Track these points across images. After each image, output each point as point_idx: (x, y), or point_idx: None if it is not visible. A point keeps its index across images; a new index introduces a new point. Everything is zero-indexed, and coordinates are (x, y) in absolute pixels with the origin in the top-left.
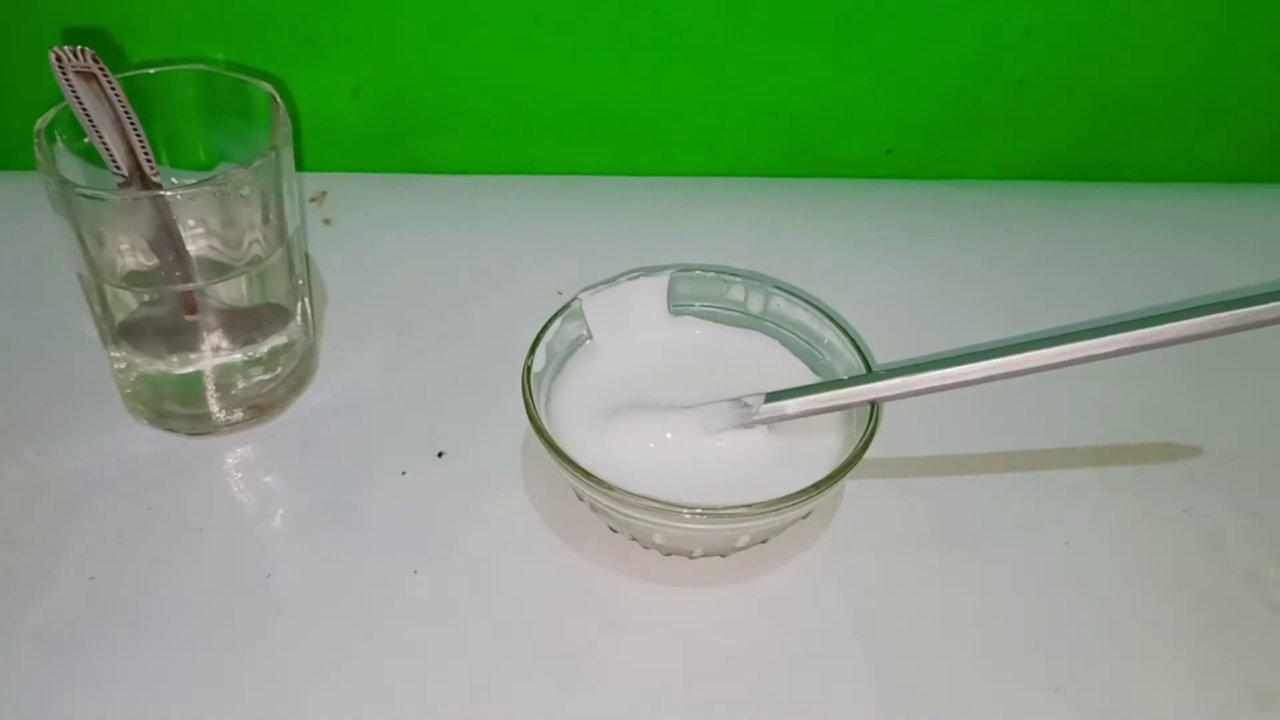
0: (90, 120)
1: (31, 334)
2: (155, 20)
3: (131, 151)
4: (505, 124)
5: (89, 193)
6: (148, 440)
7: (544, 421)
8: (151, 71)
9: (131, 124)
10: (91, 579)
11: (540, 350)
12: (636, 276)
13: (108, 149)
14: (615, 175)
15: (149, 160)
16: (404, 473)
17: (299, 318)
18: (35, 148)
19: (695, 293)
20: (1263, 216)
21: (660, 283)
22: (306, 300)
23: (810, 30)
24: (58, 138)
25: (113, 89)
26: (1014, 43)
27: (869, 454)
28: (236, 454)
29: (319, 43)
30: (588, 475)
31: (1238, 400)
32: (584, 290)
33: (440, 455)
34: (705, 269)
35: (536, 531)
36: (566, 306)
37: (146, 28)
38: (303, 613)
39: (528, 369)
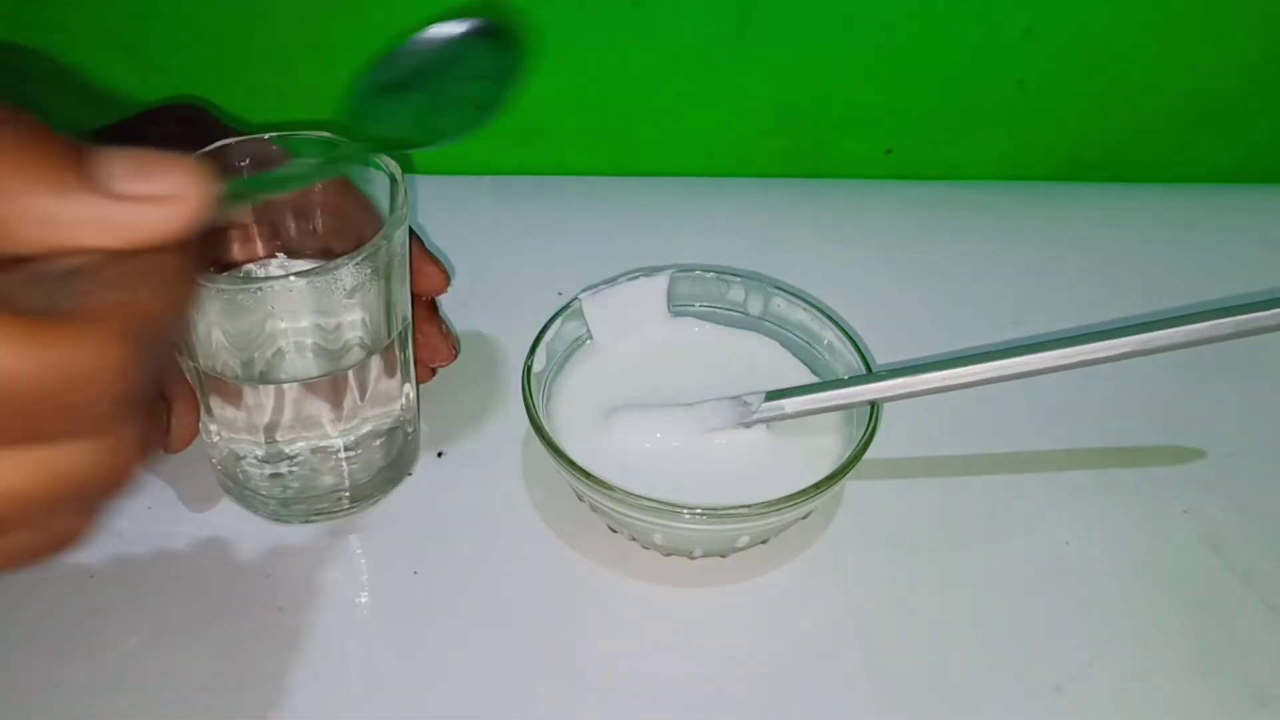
0: None
1: None
2: (157, 21)
3: None
4: (505, 124)
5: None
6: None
7: (544, 421)
8: (267, 136)
9: None
10: (91, 578)
11: (540, 350)
12: (636, 276)
13: None
14: (615, 175)
15: None
16: (410, 474)
17: (402, 399)
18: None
19: (695, 293)
20: (1263, 216)
21: (660, 283)
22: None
23: (810, 30)
24: None
25: None
26: (1014, 43)
27: (869, 454)
28: None
29: (320, 43)
30: (588, 475)
31: (1238, 401)
32: (584, 290)
33: (440, 455)
34: (705, 269)
35: (536, 531)
36: (566, 306)
37: (148, 27)
38: (303, 613)
39: (528, 369)
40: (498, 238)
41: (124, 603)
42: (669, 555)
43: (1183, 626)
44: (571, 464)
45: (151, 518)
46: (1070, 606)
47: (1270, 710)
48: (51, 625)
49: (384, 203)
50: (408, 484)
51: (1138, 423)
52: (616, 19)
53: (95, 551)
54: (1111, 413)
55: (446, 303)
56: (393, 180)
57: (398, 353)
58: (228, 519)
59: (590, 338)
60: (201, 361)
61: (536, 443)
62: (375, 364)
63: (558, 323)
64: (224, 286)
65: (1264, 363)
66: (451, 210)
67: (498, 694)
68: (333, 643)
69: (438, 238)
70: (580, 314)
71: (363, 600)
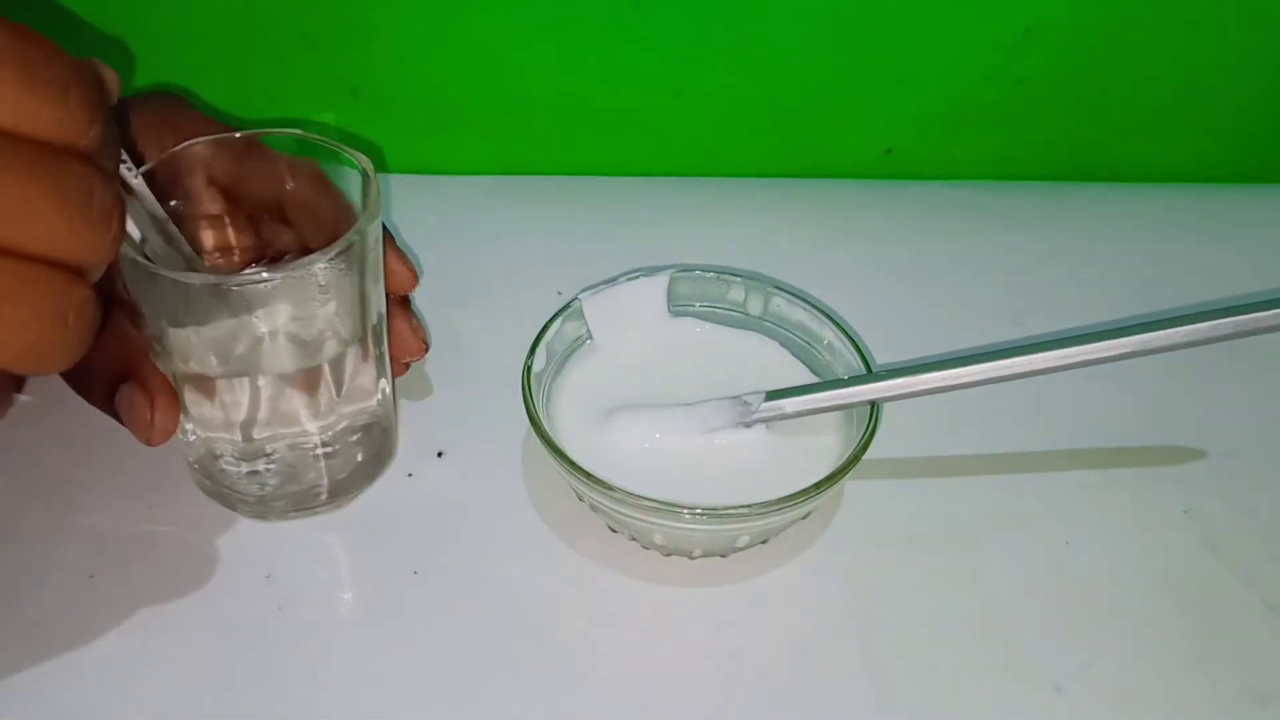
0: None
1: None
2: (155, 19)
3: (171, 243)
4: (505, 124)
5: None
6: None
7: (544, 421)
8: (237, 134)
9: (159, 219)
10: (91, 577)
11: (540, 350)
12: (636, 276)
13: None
14: (615, 175)
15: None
16: (410, 475)
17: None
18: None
19: (695, 293)
20: (1262, 216)
21: (660, 283)
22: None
23: (810, 30)
24: None
25: (140, 189)
26: (1013, 43)
27: (869, 454)
28: None
29: (319, 43)
30: (588, 475)
31: (1238, 401)
32: (584, 290)
33: (440, 455)
34: (705, 269)
35: (536, 531)
36: (566, 306)
37: (146, 27)
38: (303, 613)
39: (528, 369)
40: (497, 238)
41: (124, 603)
42: (669, 555)
43: (1183, 626)
44: (571, 464)
45: (151, 518)
46: (1070, 606)
47: (1270, 710)
48: (51, 625)
49: (356, 198)
50: (408, 483)
51: (1137, 423)
52: (616, 19)
53: (95, 551)
54: (1111, 413)
55: (446, 302)
56: (364, 176)
57: (372, 347)
58: (228, 519)
59: (590, 338)
60: (176, 359)
61: (536, 443)
62: (350, 359)
63: (558, 323)
64: (198, 283)
65: (1264, 363)
66: (451, 210)
67: (497, 694)
68: (333, 643)
69: (437, 238)
70: (580, 314)
71: (362, 600)
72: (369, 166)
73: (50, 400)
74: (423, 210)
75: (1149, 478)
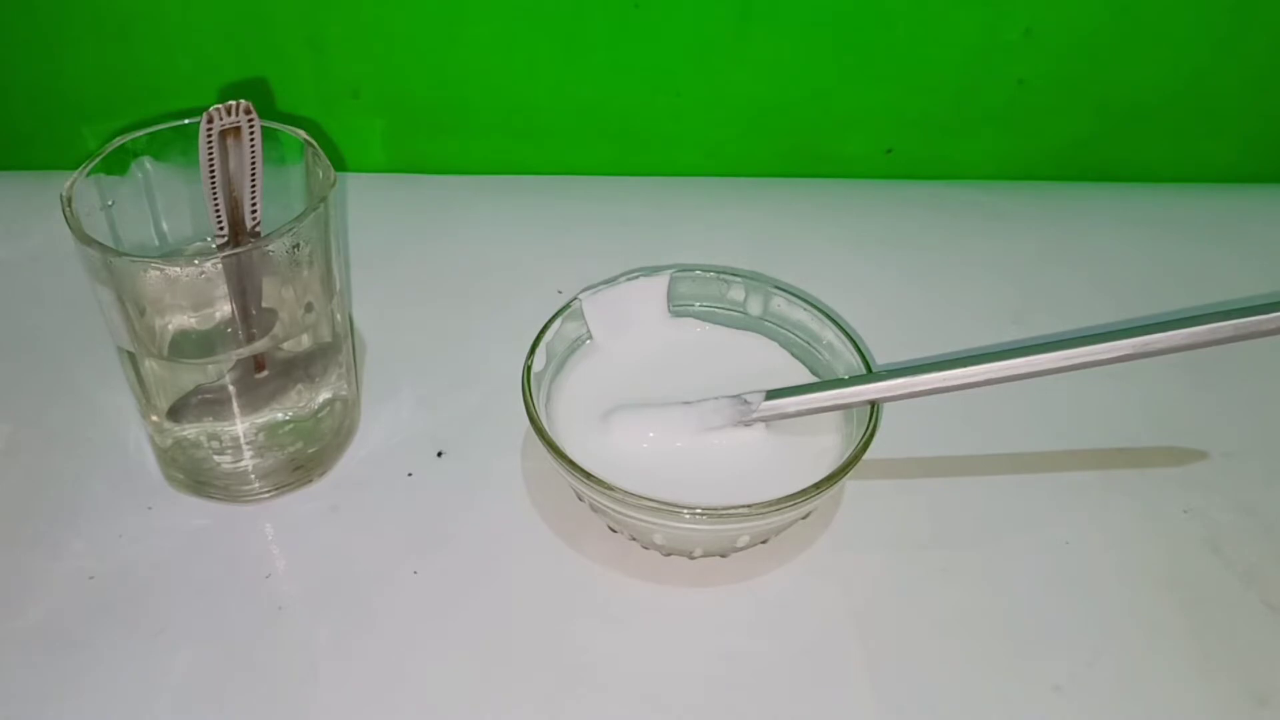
0: (213, 180)
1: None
2: (156, 18)
3: (238, 206)
4: (505, 124)
5: (160, 265)
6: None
7: (544, 421)
8: (187, 122)
9: (254, 177)
10: (91, 579)
11: (540, 350)
12: (636, 276)
13: (218, 207)
14: (615, 175)
15: (255, 213)
16: (410, 474)
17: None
18: (64, 215)
19: (695, 293)
20: (1263, 216)
21: (660, 283)
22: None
23: (810, 30)
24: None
25: (253, 141)
26: (1014, 43)
27: (869, 454)
28: None
29: (320, 42)
30: (588, 475)
31: (1238, 402)
32: (584, 290)
33: (440, 455)
34: (705, 269)
35: (536, 531)
36: (566, 306)
37: (147, 26)
38: (303, 613)
39: (528, 369)
40: (498, 238)
41: (124, 603)
42: (669, 555)
43: (1183, 626)
44: (571, 464)
45: (151, 518)
46: (1070, 606)
47: (1270, 710)
48: (52, 625)
49: (302, 176)
50: (408, 483)
51: (1138, 423)
52: (616, 19)
53: (95, 552)
54: (1112, 413)
55: (446, 303)
56: (308, 148)
57: (339, 320)
58: (227, 519)
59: (590, 338)
60: (151, 348)
61: (536, 443)
62: (318, 333)
63: (558, 323)
64: (162, 266)
65: (1264, 363)
66: (452, 210)
67: (497, 693)
68: (333, 643)
69: (438, 237)
70: (580, 314)
71: (363, 600)
72: (308, 139)
73: (51, 401)
74: (423, 210)
75: (1150, 478)
